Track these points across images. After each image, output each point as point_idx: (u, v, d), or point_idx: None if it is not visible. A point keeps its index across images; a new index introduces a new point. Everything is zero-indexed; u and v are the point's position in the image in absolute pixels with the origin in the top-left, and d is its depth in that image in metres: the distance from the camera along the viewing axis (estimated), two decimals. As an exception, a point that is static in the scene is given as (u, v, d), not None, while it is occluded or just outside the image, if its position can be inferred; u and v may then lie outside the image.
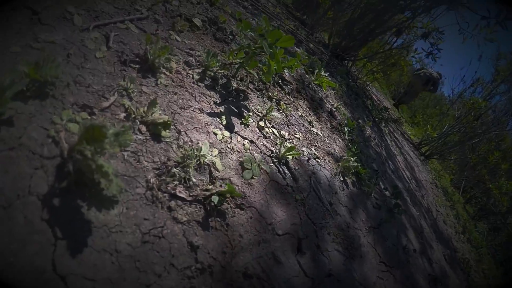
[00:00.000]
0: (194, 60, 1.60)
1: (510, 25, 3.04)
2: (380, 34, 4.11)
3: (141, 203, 0.90)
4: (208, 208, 1.04)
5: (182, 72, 1.49)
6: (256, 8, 3.05)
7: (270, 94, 2.00)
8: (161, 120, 1.10)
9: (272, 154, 1.59)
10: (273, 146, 1.65)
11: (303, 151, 1.87)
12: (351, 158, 2.12)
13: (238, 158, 1.36)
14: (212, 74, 1.62)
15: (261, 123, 1.70)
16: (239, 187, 1.24)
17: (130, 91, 1.16)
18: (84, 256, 0.71)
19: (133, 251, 0.78)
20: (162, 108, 1.22)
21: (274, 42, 1.61)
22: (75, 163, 0.79)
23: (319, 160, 1.95)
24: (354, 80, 4.18)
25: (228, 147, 1.35)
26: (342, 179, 2.02)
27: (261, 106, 1.83)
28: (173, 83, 1.38)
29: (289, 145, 1.72)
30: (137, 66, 1.29)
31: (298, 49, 3.14)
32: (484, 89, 6.55)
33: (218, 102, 1.53)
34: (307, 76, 2.82)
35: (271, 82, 2.13)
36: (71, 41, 1.16)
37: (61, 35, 1.16)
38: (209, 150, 1.23)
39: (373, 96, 5.13)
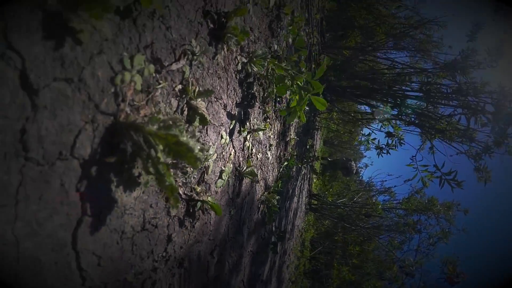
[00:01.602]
0: (246, 46, 1.56)
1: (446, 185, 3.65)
2: (363, 103, 4.74)
3: (152, 190, 0.94)
4: (190, 209, 1.16)
5: (234, 53, 1.45)
6: (306, 4, 3.02)
7: (266, 108, 2.14)
8: (202, 113, 1.11)
9: (238, 168, 1.78)
10: (242, 160, 1.83)
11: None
12: (275, 194, 2.55)
13: (221, 166, 1.48)
14: (250, 70, 1.63)
15: (248, 136, 1.84)
16: (211, 193, 1.39)
17: (195, 57, 1.09)
18: (99, 234, 0.73)
19: (134, 235, 0.85)
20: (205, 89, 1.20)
21: (310, 92, 1.77)
22: (135, 149, 0.76)
23: (257, 184, 2.26)
24: (314, 117, 4.73)
25: (222, 153, 1.45)
26: (259, 206, 2.41)
27: (256, 119, 1.96)
28: (222, 64, 1.34)
29: (251, 163, 1.95)
30: (212, 26, 1.20)
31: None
32: (390, 201, 7.63)
33: (238, 102, 1.57)
34: (293, 99, 3.06)
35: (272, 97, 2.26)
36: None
37: None
38: (212, 153, 1.31)
39: (315, 135, 5.89)
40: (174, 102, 1.01)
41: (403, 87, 4.11)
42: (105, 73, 0.74)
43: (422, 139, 4.06)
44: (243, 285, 2.34)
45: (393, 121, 4.13)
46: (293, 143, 3.36)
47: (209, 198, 1.23)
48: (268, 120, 2.23)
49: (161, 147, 0.76)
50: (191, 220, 1.19)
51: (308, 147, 4.64)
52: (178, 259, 1.16)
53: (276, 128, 2.61)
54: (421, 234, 5.72)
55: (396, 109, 3.99)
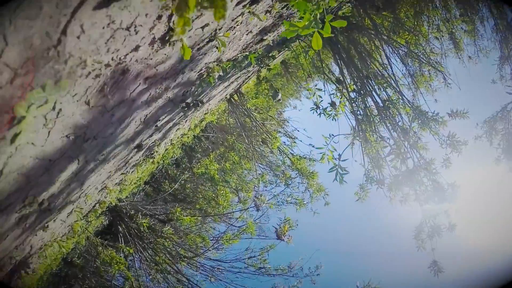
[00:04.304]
0: None
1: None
2: (338, 64, 4.95)
3: (158, 3, 1.12)
4: (166, 37, 1.38)
5: None
6: None
7: (275, 5, 2.25)
8: None
9: (217, 30, 1.97)
10: (224, 27, 2.02)
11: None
12: (220, 70, 2.85)
13: (208, 21, 1.66)
14: None
15: (246, 13, 1.99)
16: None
17: None
18: (97, 13, 0.94)
19: (118, 29, 1.07)
20: None
21: (318, 28, 1.98)
22: None
23: (216, 51, 2.49)
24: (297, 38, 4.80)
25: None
26: (202, 68, 2.70)
27: (262, 6, 2.08)
28: None
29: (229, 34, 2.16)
30: None
31: None
32: (287, 147, 7.58)
33: None
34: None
35: None
36: None
37: None
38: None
39: (283, 52, 6.03)
40: None
41: (375, 86, 4.55)
42: None
43: (351, 131, 4.62)
44: (143, 120, 2.71)
45: (345, 99, 4.59)
46: (265, 44, 3.54)
47: (185, 41, 1.46)
48: (267, 14, 2.36)
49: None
50: (160, 45, 1.42)
51: (270, 55, 4.78)
52: (125, 68, 1.39)
53: (265, 24, 2.74)
54: (286, 188, 6.57)
55: (355, 94, 4.47)
